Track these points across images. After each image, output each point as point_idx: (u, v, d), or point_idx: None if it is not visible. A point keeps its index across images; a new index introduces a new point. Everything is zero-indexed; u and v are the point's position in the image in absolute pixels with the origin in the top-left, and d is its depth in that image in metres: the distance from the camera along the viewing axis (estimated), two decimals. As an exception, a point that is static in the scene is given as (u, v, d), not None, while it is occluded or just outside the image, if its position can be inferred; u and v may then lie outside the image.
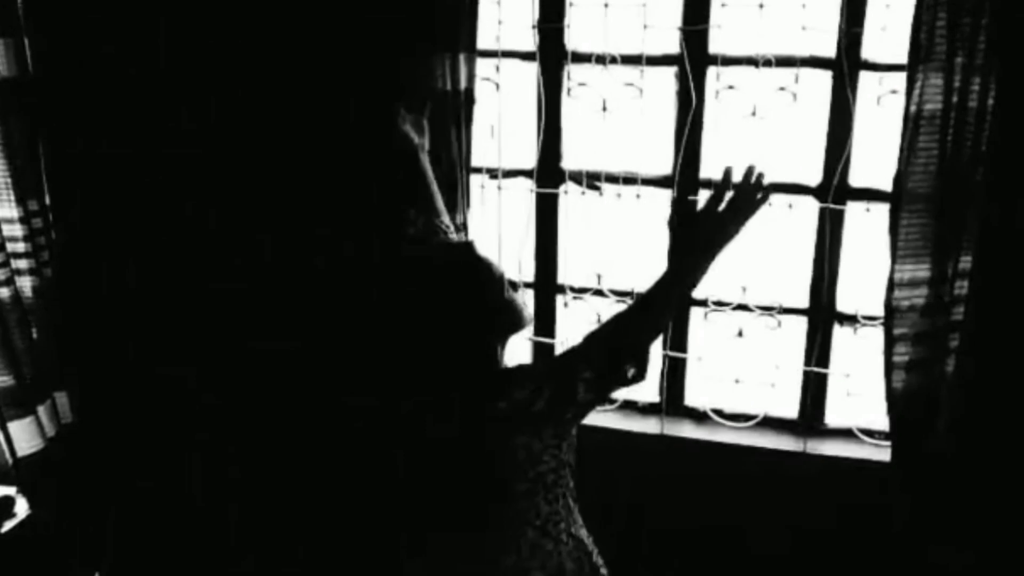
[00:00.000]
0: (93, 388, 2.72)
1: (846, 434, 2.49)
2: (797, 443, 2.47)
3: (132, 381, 2.77)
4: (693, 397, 2.62)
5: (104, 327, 2.73)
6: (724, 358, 2.55)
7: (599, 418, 2.61)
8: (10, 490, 2.50)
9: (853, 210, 2.34)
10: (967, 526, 2.26)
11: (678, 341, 2.57)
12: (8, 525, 2.41)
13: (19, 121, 2.43)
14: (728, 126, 2.35)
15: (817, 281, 2.41)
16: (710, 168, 2.41)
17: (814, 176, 2.35)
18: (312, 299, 2.61)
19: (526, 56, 2.46)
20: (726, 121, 2.36)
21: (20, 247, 2.49)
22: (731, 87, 2.33)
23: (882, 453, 2.38)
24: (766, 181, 1.41)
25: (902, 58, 2.05)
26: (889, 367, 2.17)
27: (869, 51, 2.23)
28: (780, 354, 2.50)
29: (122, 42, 2.52)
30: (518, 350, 2.58)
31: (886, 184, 2.16)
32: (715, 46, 2.33)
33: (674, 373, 2.60)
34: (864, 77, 2.25)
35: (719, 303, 2.51)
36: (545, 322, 2.68)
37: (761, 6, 2.28)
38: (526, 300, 1.59)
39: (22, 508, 2.48)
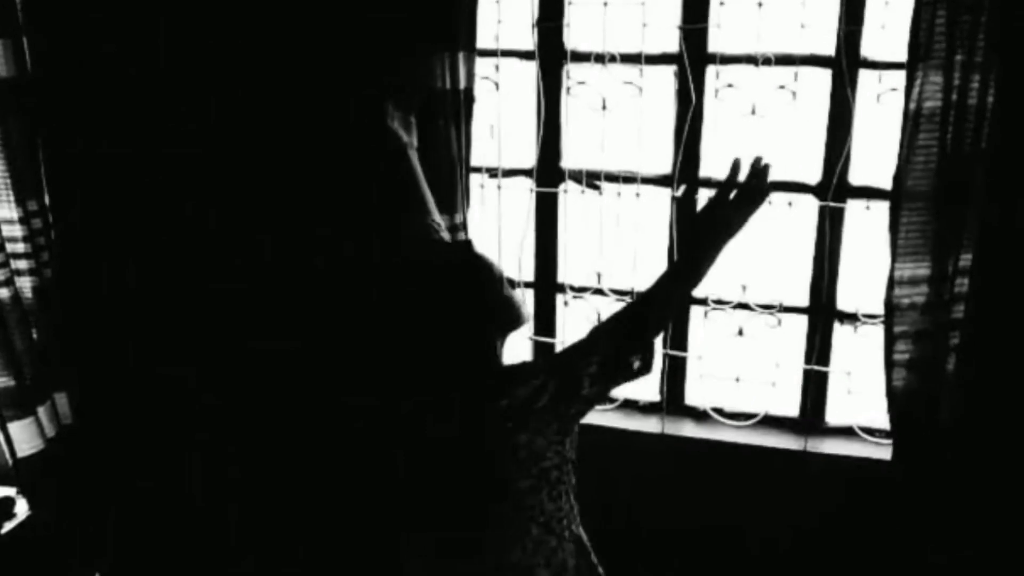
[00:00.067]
0: (93, 388, 2.72)
1: (847, 432, 2.49)
2: (798, 442, 2.47)
3: (132, 381, 2.77)
4: (694, 396, 2.62)
5: (104, 327, 2.73)
6: (724, 357, 2.55)
7: (600, 417, 2.61)
8: (10, 491, 2.50)
9: (853, 208, 2.34)
10: (968, 524, 2.26)
11: (678, 340, 2.57)
12: (8, 526, 2.41)
13: (18, 121, 2.43)
14: (728, 124, 2.35)
15: (817, 279, 2.41)
16: (710, 167, 2.41)
17: (814, 174, 2.35)
18: (312, 299, 2.61)
19: (525, 55, 2.46)
20: (726, 120, 2.36)
21: (20, 247, 2.48)
22: (730, 85, 2.33)
23: (883, 451, 2.38)
24: (771, 173, 1.41)
25: (901, 56, 2.05)
26: (889, 365, 2.17)
27: (868, 49, 2.23)
28: (780, 352, 2.50)
29: (122, 42, 2.52)
30: (518, 349, 2.58)
31: (886, 182, 2.16)
32: (714, 44, 2.33)
33: (674, 372, 2.60)
34: (864, 75, 2.25)
35: (719, 302, 2.51)
36: (545, 321, 2.68)
37: (760, 4, 2.28)
38: (524, 298, 1.59)
39: (22, 509, 2.48)
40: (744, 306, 2.50)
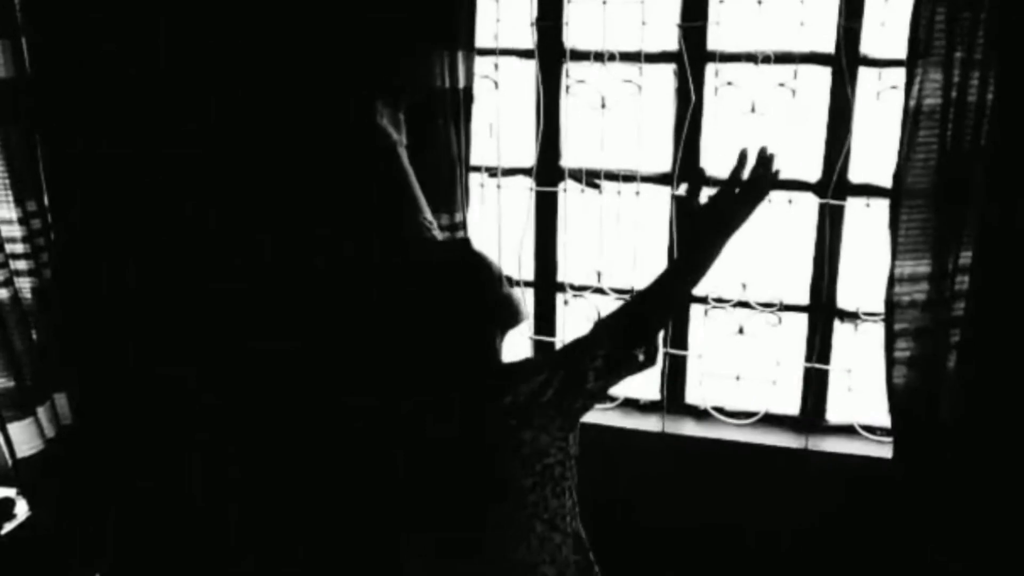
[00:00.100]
0: (93, 389, 2.72)
1: (847, 430, 2.49)
2: (798, 440, 2.46)
3: (132, 381, 2.77)
4: (694, 395, 2.62)
5: (104, 328, 2.73)
6: (725, 355, 2.54)
7: (600, 416, 2.61)
8: (10, 492, 2.49)
9: (853, 206, 2.34)
10: (968, 523, 2.25)
11: (679, 339, 2.57)
12: (8, 527, 2.41)
13: (17, 122, 2.43)
14: (727, 123, 2.35)
15: (817, 277, 2.41)
16: (710, 164, 2.41)
17: (814, 172, 2.35)
18: (312, 299, 2.61)
19: (525, 54, 2.46)
20: (725, 118, 2.35)
21: (19, 248, 2.48)
22: (730, 83, 2.33)
23: (883, 449, 2.38)
24: (776, 163, 1.41)
25: (901, 53, 2.05)
26: (890, 362, 2.16)
27: (868, 47, 2.23)
28: (781, 351, 2.50)
29: (122, 42, 2.52)
30: (519, 348, 2.58)
31: (886, 180, 2.16)
32: (714, 43, 2.32)
33: (675, 370, 2.60)
34: (863, 73, 2.25)
35: (719, 300, 2.51)
36: (545, 320, 2.67)
37: (760, 2, 2.28)
38: (523, 295, 1.59)
39: (22, 510, 2.48)
40: (744, 304, 2.50)
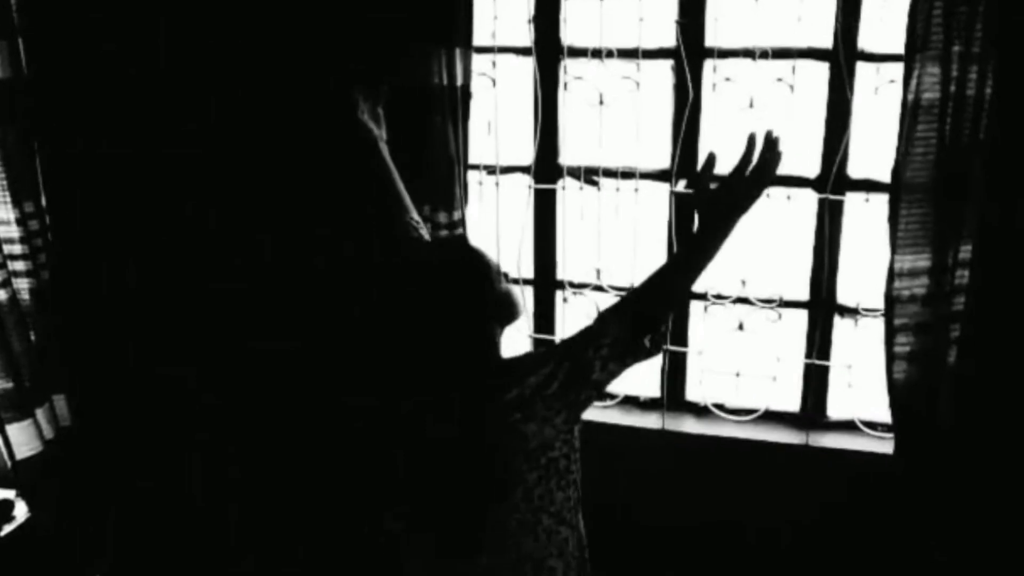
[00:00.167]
0: (92, 389, 2.72)
1: (848, 426, 2.49)
2: (799, 436, 2.46)
3: (132, 382, 2.77)
4: (694, 392, 2.61)
5: (103, 328, 2.72)
6: (725, 352, 2.54)
7: (600, 414, 2.61)
8: (9, 493, 2.49)
9: (852, 201, 2.33)
10: (969, 517, 2.25)
11: (679, 335, 2.56)
12: (8, 528, 2.40)
13: (14, 123, 2.42)
14: (725, 118, 2.35)
15: (817, 273, 2.40)
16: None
17: (812, 168, 2.34)
18: (312, 299, 2.60)
19: (522, 51, 2.45)
20: (723, 114, 2.35)
21: (17, 249, 2.48)
22: (728, 79, 2.33)
23: (884, 445, 2.37)
24: (781, 147, 1.43)
25: (899, 48, 2.05)
26: (890, 358, 2.16)
27: (866, 41, 2.23)
28: (781, 347, 2.49)
29: (122, 42, 2.52)
30: (519, 346, 2.58)
31: (885, 175, 2.16)
32: (711, 39, 2.32)
33: (675, 367, 2.59)
34: (861, 68, 2.24)
35: (719, 296, 2.50)
36: (545, 318, 2.67)
37: (757, -2, 2.28)
38: (520, 291, 1.59)
39: (21, 511, 2.47)
40: (744, 300, 2.50)
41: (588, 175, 2.50)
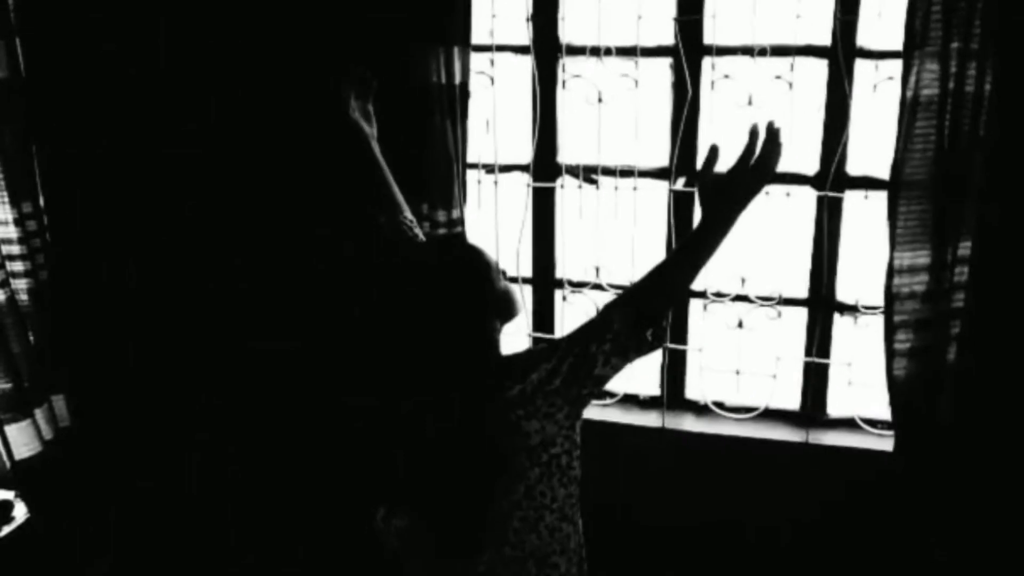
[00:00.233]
0: (92, 389, 2.72)
1: (848, 424, 2.48)
2: (799, 434, 2.46)
3: (131, 382, 2.76)
4: (694, 390, 2.61)
5: (102, 328, 2.72)
6: (724, 350, 2.54)
7: (600, 412, 2.61)
8: (8, 494, 2.49)
9: (851, 198, 2.33)
10: (969, 515, 2.25)
11: (678, 333, 2.56)
12: (7, 529, 2.40)
13: (12, 123, 2.42)
14: (724, 116, 2.34)
15: (817, 270, 2.40)
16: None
17: (811, 165, 2.34)
18: (312, 299, 2.60)
19: (520, 49, 2.45)
20: (722, 111, 2.35)
21: (15, 249, 2.47)
22: (727, 77, 2.33)
23: (884, 443, 2.37)
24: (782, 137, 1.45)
25: (898, 45, 2.05)
26: (890, 355, 2.16)
27: (864, 38, 2.23)
28: (781, 345, 2.49)
29: (120, 41, 2.52)
30: (518, 345, 2.57)
31: (884, 172, 2.16)
32: (710, 36, 2.32)
33: (674, 365, 2.59)
34: (860, 64, 2.24)
35: (719, 294, 2.50)
36: (544, 317, 2.67)
37: (755, -5, 2.28)
38: (519, 289, 1.58)
39: (20, 512, 2.47)
40: (744, 298, 2.49)
41: (587, 173, 2.50)
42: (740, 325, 2.50)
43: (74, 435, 2.64)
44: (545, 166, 2.53)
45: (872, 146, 2.33)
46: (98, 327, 2.72)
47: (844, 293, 2.42)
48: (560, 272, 2.62)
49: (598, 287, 2.58)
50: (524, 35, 2.41)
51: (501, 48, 2.45)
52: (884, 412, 2.30)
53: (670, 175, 2.42)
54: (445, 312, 1.50)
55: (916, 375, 2.16)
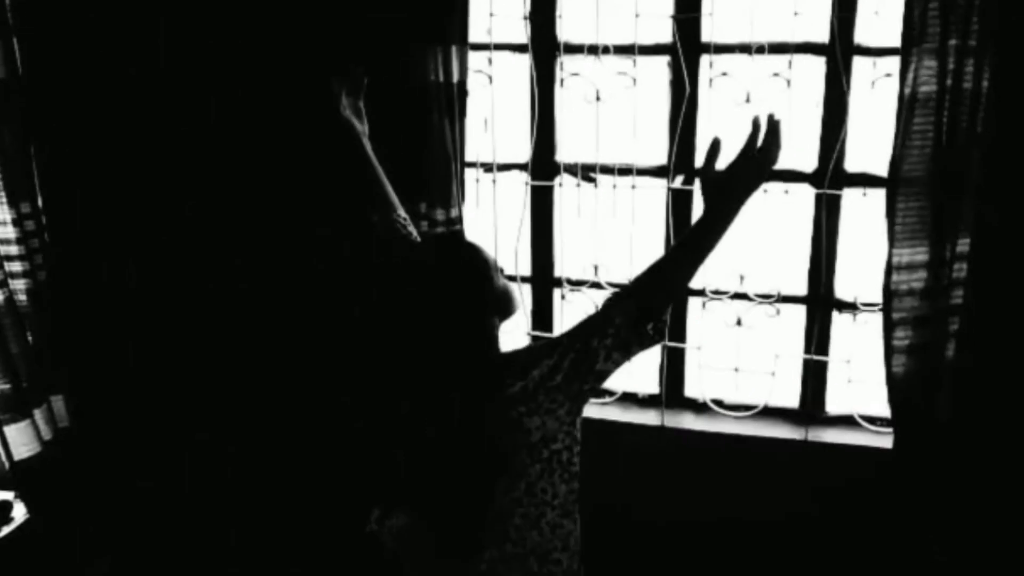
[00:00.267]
0: (91, 390, 2.71)
1: (848, 421, 2.48)
2: (798, 432, 2.46)
3: (131, 382, 2.76)
4: (693, 388, 2.61)
5: (102, 328, 2.72)
6: (723, 348, 2.54)
7: (599, 410, 2.61)
8: (7, 495, 2.49)
9: (850, 196, 2.33)
10: (969, 511, 2.25)
11: (677, 331, 2.56)
12: (6, 529, 2.40)
13: (10, 123, 2.42)
14: (722, 114, 2.34)
15: (815, 268, 2.40)
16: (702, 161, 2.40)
17: (810, 162, 2.34)
18: (312, 299, 2.60)
19: (518, 48, 2.45)
20: (720, 109, 2.35)
21: (13, 250, 2.48)
22: (724, 74, 2.32)
23: (884, 440, 2.37)
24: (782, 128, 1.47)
25: (895, 42, 2.05)
26: (889, 351, 2.16)
27: (862, 35, 2.23)
28: (779, 342, 2.49)
29: (117, 41, 2.52)
30: (516, 344, 2.57)
31: (882, 169, 2.16)
32: (708, 34, 2.32)
33: (673, 363, 2.59)
34: (858, 62, 2.24)
35: (717, 292, 2.50)
36: (543, 316, 2.67)
37: (752, -7, 2.27)
38: (518, 287, 1.58)
39: (20, 513, 2.47)
40: (742, 296, 2.49)
41: (585, 172, 2.50)
42: (739, 323, 2.50)
43: (73, 436, 2.64)
44: (543, 164, 2.53)
45: (870, 143, 2.33)
46: (97, 327, 2.72)
47: (843, 290, 2.42)
48: (559, 271, 2.62)
49: (597, 285, 2.58)
50: (522, 34, 2.41)
51: (499, 47, 2.45)
52: (883, 409, 2.30)
53: (668, 173, 2.42)
54: (446, 311, 1.50)
55: (915, 372, 2.16)
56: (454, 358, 1.52)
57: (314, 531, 2.75)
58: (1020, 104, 2.01)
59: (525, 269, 2.63)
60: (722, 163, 1.48)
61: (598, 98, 2.43)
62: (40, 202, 2.54)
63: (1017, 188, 2.07)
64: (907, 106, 2.02)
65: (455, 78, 2.27)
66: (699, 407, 2.60)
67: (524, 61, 2.44)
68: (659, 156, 2.44)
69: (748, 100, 2.32)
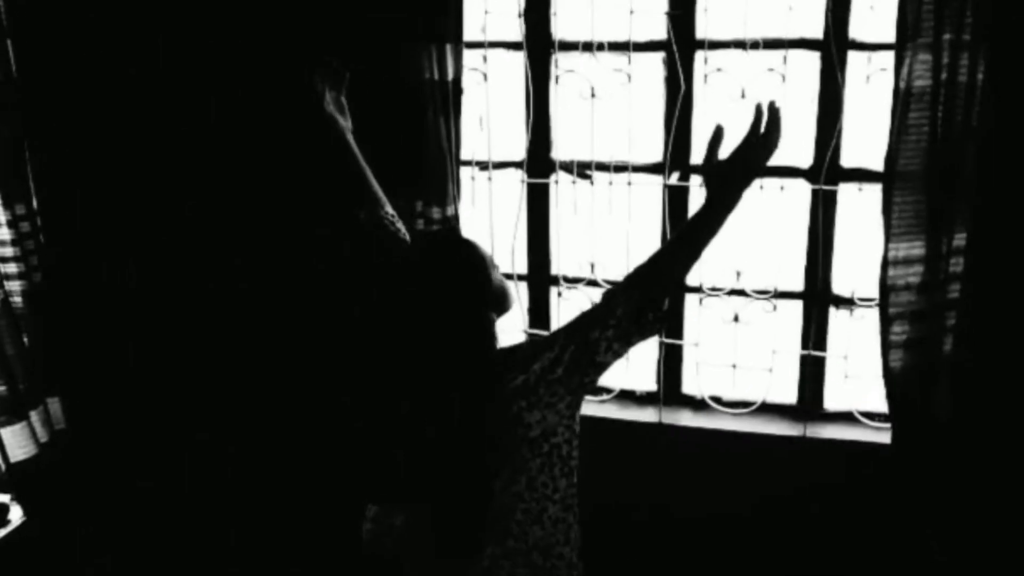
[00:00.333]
0: (87, 391, 2.71)
1: (846, 417, 2.48)
2: (796, 428, 2.45)
3: (128, 384, 2.76)
4: (690, 385, 2.61)
5: (99, 329, 2.72)
6: (721, 344, 2.53)
7: (597, 408, 2.60)
8: (4, 497, 2.48)
9: (845, 191, 2.33)
10: (967, 506, 2.24)
11: (674, 328, 2.56)
12: (3, 532, 2.39)
13: (3, 124, 2.42)
14: (717, 110, 2.34)
15: (812, 263, 2.40)
16: (701, 153, 2.39)
17: (805, 158, 2.34)
18: (312, 299, 2.60)
19: (513, 46, 2.45)
20: (715, 105, 2.34)
21: (8, 251, 2.47)
22: (719, 70, 2.32)
23: (882, 435, 2.36)
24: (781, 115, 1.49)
25: (890, 37, 2.05)
26: (886, 346, 2.15)
27: (857, 30, 2.23)
28: (777, 339, 2.49)
29: (112, 42, 2.51)
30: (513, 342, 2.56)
31: (877, 164, 2.15)
32: (702, 30, 2.32)
33: (671, 360, 2.59)
34: (853, 57, 2.24)
35: (714, 288, 2.50)
36: (539, 313, 2.66)
37: (747, -12, 2.27)
38: (514, 284, 1.58)
39: (16, 515, 2.46)
40: (739, 292, 2.49)
41: (581, 169, 2.49)
42: (736, 319, 2.50)
43: (69, 437, 2.63)
44: (539, 162, 2.52)
45: (865, 138, 2.33)
46: (93, 329, 2.71)
47: (840, 286, 2.42)
48: (555, 268, 2.62)
49: (593, 283, 2.58)
50: (516, 31, 2.41)
51: (494, 44, 2.45)
52: (881, 405, 2.30)
53: (664, 170, 2.42)
54: (445, 307, 1.50)
55: (912, 367, 2.15)
56: (454, 355, 1.51)
57: (314, 531, 2.75)
58: (1015, 97, 2.01)
59: (521, 267, 2.62)
60: (723, 153, 1.49)
61: (593, 95, 2.42)
62: (35, 204, 2.53)
63: (1012, 181, 2.07)
64: (902, 101, 2.02)
65: (450, 76, 2.27)
66: (697, 404, 2.60)
67: (519, 59, 2.44)
68: (655, 153, 2.44)
69: (743, 96, 2.32)
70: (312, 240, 2.53)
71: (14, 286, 2.50)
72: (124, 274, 2.69)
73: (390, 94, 2.28)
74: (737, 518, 2.49)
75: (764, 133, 1.46)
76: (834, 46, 2.21)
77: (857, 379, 2.44)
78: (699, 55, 2.33)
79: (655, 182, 2.45)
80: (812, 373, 2.48)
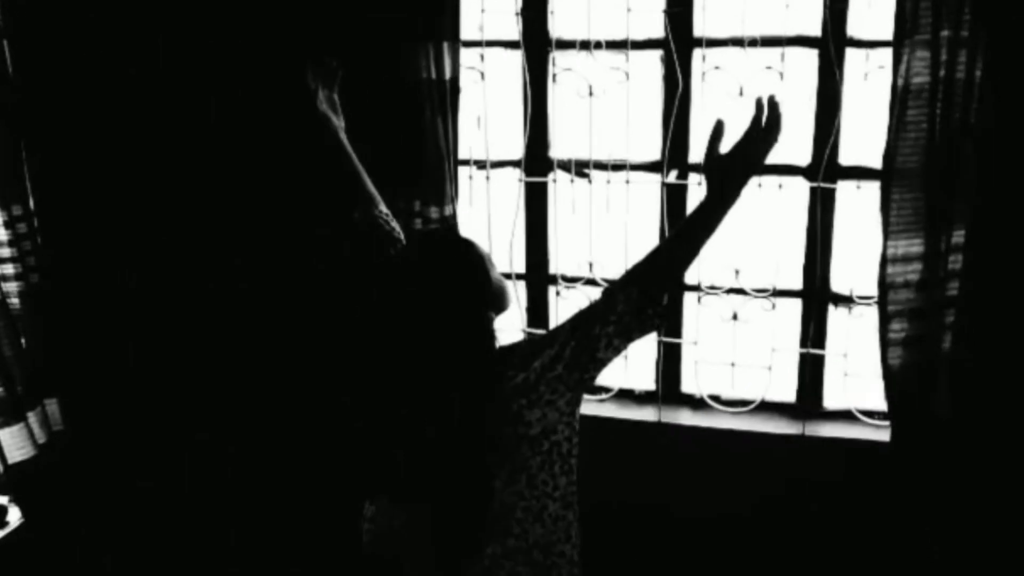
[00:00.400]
0: (86, 392, 2.71)
1: (845, 416, 2.48)
2: (796, 426, 2.45)
3: (127, 384, 2.75)
4: (689, 383, 2.60)
5: (97, 330, 2.71)
6: (719, 343, 2.53)
7: (596, 407, 2.60)
8: (2, 499, 2.48)
9: (844, 189, 2.32)
10: (967, 504, 2.24)
11: (673, 327, 2.55)
12: (1, 534, 2.39)
13: (1, 124, 2.41)
14: (715, 108, 2.34)
15: (810, 262, 2.40)
16: (700, 151, 2.39)
17: (803, 156, 2.33)
18: (312, 299, 2.59)
19: (510, 44, 2.44)
20: (713, 103, 2.34)
21: (5, 252, 2.47)
22: (717, 68, 2.32)
23: (882, 433, 2.36)
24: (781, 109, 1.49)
25: (888, 34, 2.04)
26: (884, 344, 2.15)
27: (854, 28, 2.22)
28: (776, 337, 2.48)
29: (109, 42, 2.51)
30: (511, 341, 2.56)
31: (876, 161, 2.15)
32: (700, 28, 2.31)
33: (669, 360, 2.58)
34: (850, 54, 2.24)
35: (713, 287, 2.49)
36: (538, 313, 2.66)
37: (745, -14, 2.27)
38: (513, 284, 1.58)
39: (14, 517, 2.46)
40: (738, 291, 2.49)
41: (579, 168, 2.49)
42: (735, 317, 2.49)
43: (68, 439, 2.63)
44: (537, 161, 2.52)
45: (864, 136, 2.32)
46: (92, 329, 2.71)
47: (838, 284, 2.41)
48: (553, 267, 2.62)
49: (591, 282, 2.58)
50: (514, 30, 2.41)
51: (491, 43, 2.44)
52: (881, 403, 2.29)
53: (662, 168, 2.41)
54: (445, 307, 1.50)
55: (911, 364, 2.15)
56: (454, 354, 1.51)
57: (314, 531, 2.74)
58: (1013, 94, 2.01)
59: (520, 266, 2.62)
60: (723, 148, 1.49)
61: (591, 93, 2.42)
62: (32, 204, 2.53)
63: (1011, 178, 2.06)
64: (900, 98, 2.02)
65: (447, 75, 2.27)
66: (696, 403, 2.59)
67: (516, 57, 2.44)
68: (653, 151, 2.44)
69: (741, 94, 2.31)
70: (312, 240, 2.53)
71: (11, 287, 2.49)
72: (122, 274, 2.68)
73: (387, 94, 2.28)
74: (736, 517, 2.49)
75: (765, 127, 1.46)
76: (832, 43, 2.21)
77: (856, 377, 2.44)
78: (697, 53, 2.33)
79: (653, 180, 2.45)
80: (811, 371, 2.48)
